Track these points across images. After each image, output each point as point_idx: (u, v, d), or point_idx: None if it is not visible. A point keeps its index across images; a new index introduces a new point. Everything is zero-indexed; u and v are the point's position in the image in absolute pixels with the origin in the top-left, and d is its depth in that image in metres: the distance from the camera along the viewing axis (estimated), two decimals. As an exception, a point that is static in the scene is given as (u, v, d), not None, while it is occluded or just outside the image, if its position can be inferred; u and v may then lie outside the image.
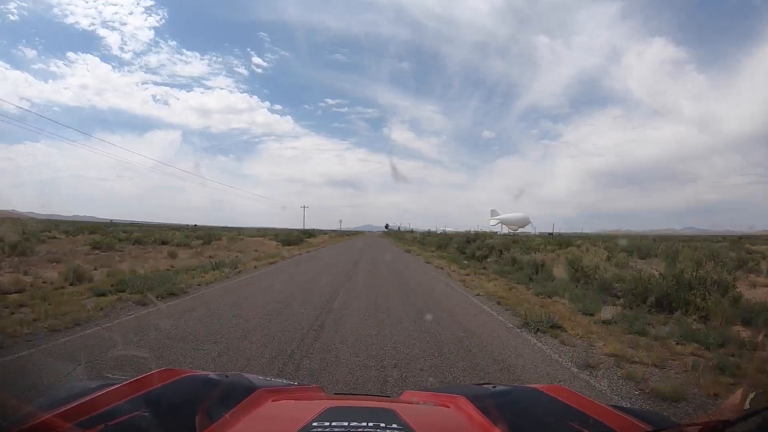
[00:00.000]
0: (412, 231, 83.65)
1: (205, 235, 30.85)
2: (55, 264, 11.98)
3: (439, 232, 59.70)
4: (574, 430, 0.96)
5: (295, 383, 1.48)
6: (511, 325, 5.96)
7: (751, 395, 1.07)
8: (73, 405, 0.89)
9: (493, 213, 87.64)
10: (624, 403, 3.24)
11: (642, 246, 19.71)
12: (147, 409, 0.93)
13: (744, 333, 5.41)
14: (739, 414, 0.81)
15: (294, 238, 36.05)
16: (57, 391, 1.14)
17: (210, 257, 15.26)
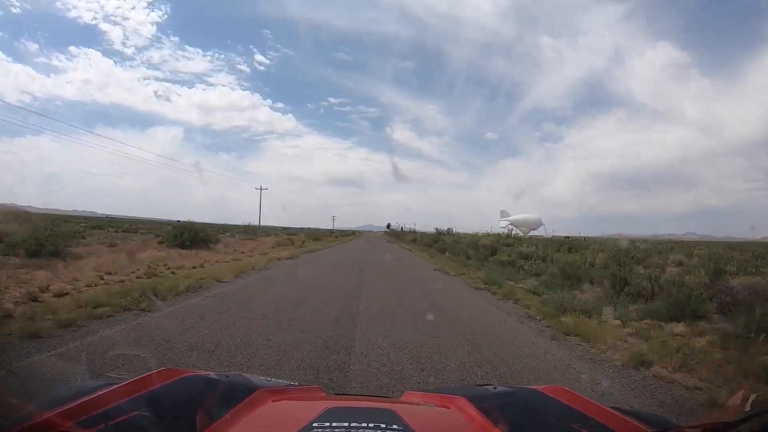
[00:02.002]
0: (451, 231, 45.90)
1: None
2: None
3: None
4: None
5: (296, 383, 1.48)
6: None
7: (752, 397, 1.07)
8: (74, 404, 0.89)
9: (503, 214, 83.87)
10: None
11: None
12: (147, 409, 0.92)
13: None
14: (739, 416, 0.80)
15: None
16: (57, 390, 1.14)
17: None
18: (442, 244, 30.11)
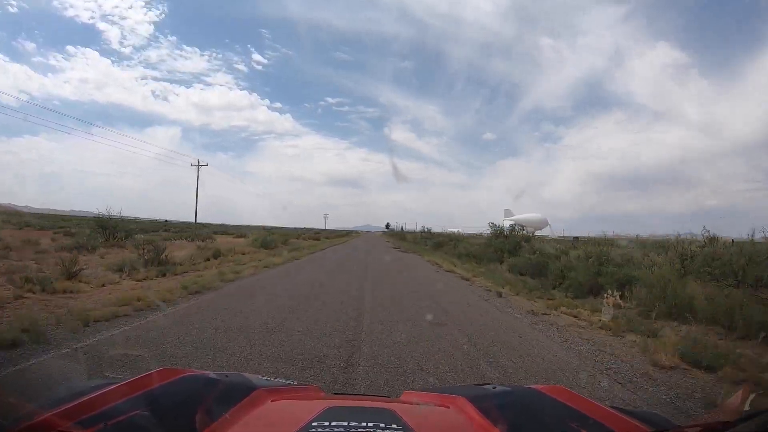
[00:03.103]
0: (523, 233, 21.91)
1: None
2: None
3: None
4: (574, 431, 0.96)
5: (295, 383, 1.48)
6: None
7: (751, 397, 1.07)
8: (73, 404, 0.89)
9: (507, 213, 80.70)
10: None
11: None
12: (147, 409, 0.92)
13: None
14: (739, 415, 0.80)
15: None
16: (57, 390, 1.14)
17: None
18: (525, 261, 13.30)
